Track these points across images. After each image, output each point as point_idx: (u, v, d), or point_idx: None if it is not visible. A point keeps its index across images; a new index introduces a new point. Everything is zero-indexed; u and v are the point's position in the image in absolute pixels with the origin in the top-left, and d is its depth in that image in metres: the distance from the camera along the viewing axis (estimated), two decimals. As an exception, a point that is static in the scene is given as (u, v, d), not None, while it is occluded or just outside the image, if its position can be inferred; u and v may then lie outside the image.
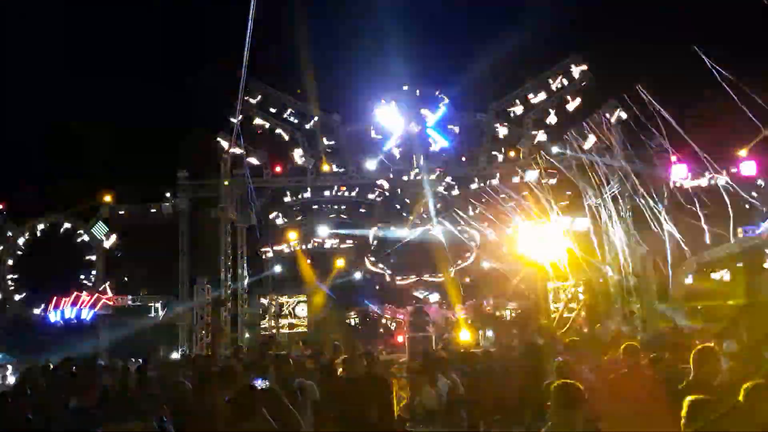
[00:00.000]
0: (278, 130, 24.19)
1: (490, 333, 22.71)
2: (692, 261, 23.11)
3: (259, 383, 5.56)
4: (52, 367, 10.72)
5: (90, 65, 28.88)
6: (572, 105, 23.73)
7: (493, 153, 24.60)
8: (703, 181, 21.82)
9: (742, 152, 22.18)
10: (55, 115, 28.19)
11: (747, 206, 21.95)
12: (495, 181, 24.46)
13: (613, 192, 22.17)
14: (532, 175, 23.40)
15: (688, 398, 4.26)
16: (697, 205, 20.35)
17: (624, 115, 22.30)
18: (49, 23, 27.75)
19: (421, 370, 7.82)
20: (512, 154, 24.33)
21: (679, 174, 22.41)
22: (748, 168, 21.92)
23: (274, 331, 25.82)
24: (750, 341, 10.80)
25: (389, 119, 24.30)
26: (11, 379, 17.20)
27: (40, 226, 25.51)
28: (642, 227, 21.72)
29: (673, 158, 21.63)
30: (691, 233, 21.09)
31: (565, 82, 23.67)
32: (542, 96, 23.92)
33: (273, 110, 24.32)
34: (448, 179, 24.63)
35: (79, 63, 28.79)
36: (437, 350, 15.51)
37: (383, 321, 25.71)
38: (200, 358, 13.52)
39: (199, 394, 6.00)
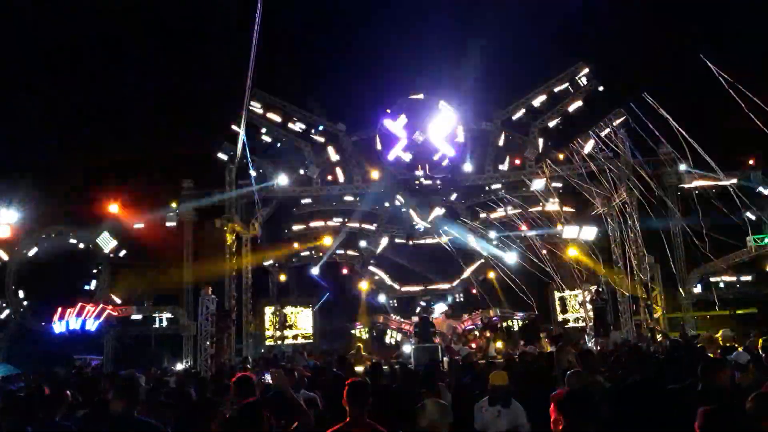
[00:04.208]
0: (283, 140, 24.18)
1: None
2: (701, 270, 22.94)
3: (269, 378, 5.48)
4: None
5: (96, 73, 28.98)
6: (578, 113, 23.62)
7: (499, 161, 24.48)
8: (712, 189, 21.66)
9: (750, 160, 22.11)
10: (62, 123, 28.33)
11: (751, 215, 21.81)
12: (501, 190, 24.34)
13: (621, 200, 22.02)
14: (538, 184, 23.26)
15: (701, 409, 4.18)
16: (703, 214, 20.16)
17: (631, 123, 22.17)
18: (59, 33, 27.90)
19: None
20: (518, 162, 24.21)
21: (687, 182, 22.29)
22: (756, 175, 21.83)
23: (279, 342, 25.70)
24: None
25: (395, 128, 24.25)
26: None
27: (46, 237, 25.52)
28: (651, 235, 21.54)
29: (682, 166, 21.50)
30: (701, 242, 20.90)
31: (571, 90, 23.57)
32: (548, 104, 23.83)
33: (278, 120, 24.32)
34: (454, 188, 24.50)
35: (85, 72, 28.90)
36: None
37: (389, 331, 25.55)
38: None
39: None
